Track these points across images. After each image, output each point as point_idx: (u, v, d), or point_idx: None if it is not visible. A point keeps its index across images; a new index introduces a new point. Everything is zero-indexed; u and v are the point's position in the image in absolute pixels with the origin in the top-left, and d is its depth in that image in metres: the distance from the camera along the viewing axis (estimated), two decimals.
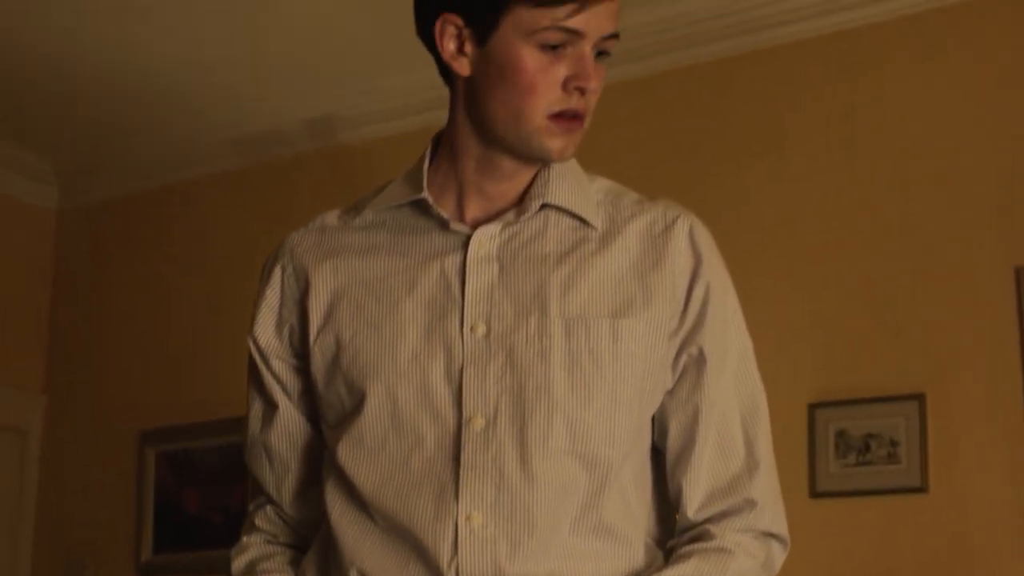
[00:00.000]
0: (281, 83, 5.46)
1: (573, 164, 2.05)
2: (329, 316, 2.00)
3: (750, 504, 2.04)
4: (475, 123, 1.97)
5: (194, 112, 5.72)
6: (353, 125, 5.54)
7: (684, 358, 1.98)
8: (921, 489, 4.19)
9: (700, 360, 1.99)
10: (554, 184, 1.99)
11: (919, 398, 4.22)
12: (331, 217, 2.15)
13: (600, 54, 1.94)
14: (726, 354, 2.03)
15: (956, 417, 4.21)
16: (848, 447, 4.29)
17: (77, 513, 5.94)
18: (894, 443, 4.23)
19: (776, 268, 4.52)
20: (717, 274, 2.01)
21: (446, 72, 2.00)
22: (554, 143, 1.94)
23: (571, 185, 2.01)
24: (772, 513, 2.08)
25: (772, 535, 2.10)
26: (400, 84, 5.26)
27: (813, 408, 4.37)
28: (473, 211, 1.99)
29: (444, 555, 1.83)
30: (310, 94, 5.53)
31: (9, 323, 6.24)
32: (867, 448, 4.27)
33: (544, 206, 1.98)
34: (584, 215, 1.99)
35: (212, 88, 5.52)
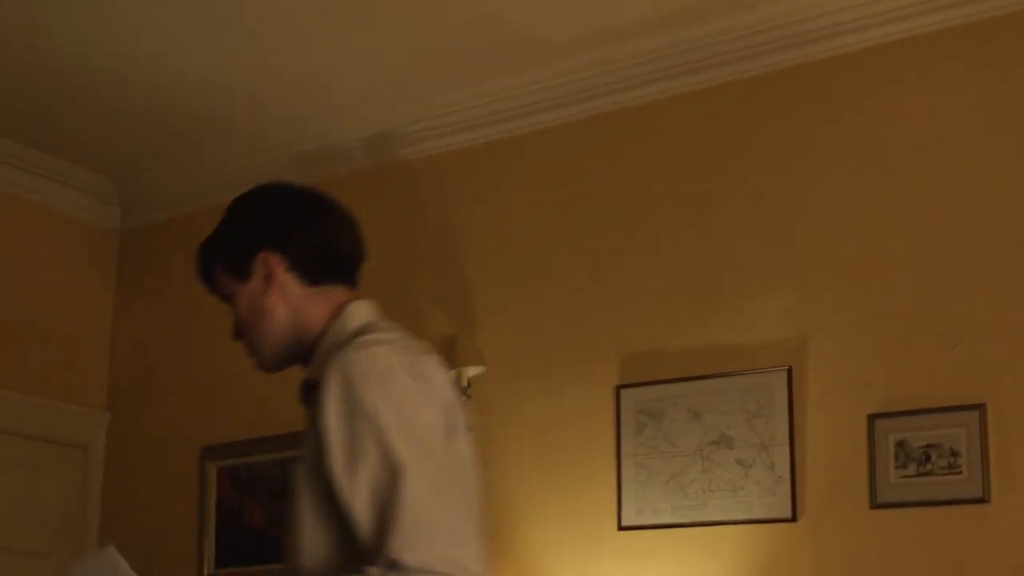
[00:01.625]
0: (339, 101, 5.51)
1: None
2: None
3: None
4: None
5: (254, 131, 5.79)
6: (411, 141, 5.58)
7: None
8: (983, 500, 4.16)
9: None
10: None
11: (979, 408, 4.20)
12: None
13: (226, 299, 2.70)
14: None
15: (1017, 426, 4.18)
16: (908, 458, 4.28)
17: (140, 528, 6.00)
18: (955, 453, 4.21)
19: (834, 280, 4.52)
20: None
21: None
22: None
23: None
24: None
25: None
26: (458, 100, 5.29)
27: (873, 419, 4.36)
28: None
29: None
30: (368, 111, 5.58)
31: (73, 342, 6.32)
32: (927, 459, 4.25)
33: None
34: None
35: (271, 107, 5.58)
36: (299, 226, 2.55)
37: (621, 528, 4.75)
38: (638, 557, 4.70)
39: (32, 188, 6.16)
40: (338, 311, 2.53)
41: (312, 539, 2.39)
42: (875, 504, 4.32)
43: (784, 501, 4.46)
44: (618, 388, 4.85)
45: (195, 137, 5.87)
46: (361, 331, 2.44)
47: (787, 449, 4.48)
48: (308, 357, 2.62)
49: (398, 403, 2.30)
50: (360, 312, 2.53)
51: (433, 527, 2.29)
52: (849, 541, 4.35)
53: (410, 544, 2.23)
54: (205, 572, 5.83)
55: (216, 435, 5.96)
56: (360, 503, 2.27)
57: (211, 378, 6.10)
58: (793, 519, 4.44)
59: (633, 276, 4.94)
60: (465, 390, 5.16)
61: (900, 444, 4.30)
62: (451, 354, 5.20)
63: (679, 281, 4.84)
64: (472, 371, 5.17)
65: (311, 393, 2.51)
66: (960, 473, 4.20)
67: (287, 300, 2.55)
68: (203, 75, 5.30)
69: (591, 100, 5.10)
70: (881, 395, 4.38)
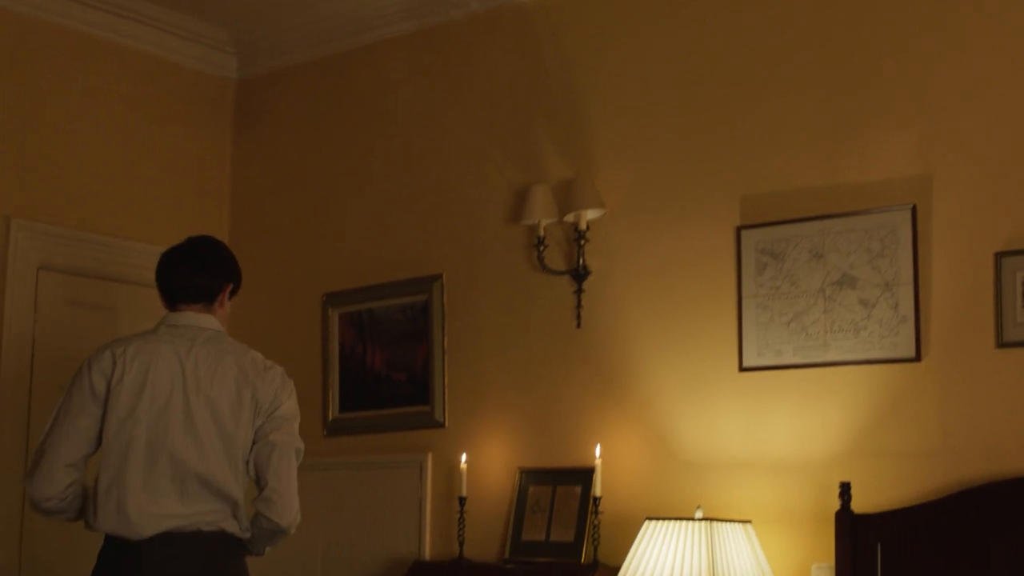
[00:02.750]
0: None
1: None
2: None
3: None
4: None
5: None
6: None
7: None
8: None
9: None
10: None
11: None
12: None
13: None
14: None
15: None
16: None
17: None
18: None
19: (961, 116, 4.41)
20: None
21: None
22: None
23: None
24: None
25: None
26: None
27: (1000, 257, 4.28)
28: None
29: None
30: None
31: (191, 192, 6.41)
32: None
33: None
34: None
35: None
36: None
37: (742, 369, 4.76)
38: (759, 398, 4.71)
39: (149, 40, 6.21)
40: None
41: None
42: (1001, 343, 4.27)
43: (908, 341, 4.43)
44: (739, 229, 4.82)
45: None
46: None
47: (911, 288, 4.43)
48: None
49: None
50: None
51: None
52: (974, 380, 4.31)
53: None
54: (330, 416, 5.96)
55: (337, 282, 6.04)
56: None
57: (330, 225, 6.17)
58: (917, 359, 4.41)
59: (754, 115, 4.87)
60: (583, 233, 5.16)
61: None
62: (569, 196, 5.20)
63: (801, 119, 4.76)
64: (591, 214, 5.16)
65: None
66: None
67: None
68: None
69: None
70: (1008, 233, 4.29)
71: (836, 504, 4.38)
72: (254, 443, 3.69)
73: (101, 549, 3.66)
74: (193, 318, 3.84)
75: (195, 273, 3.87)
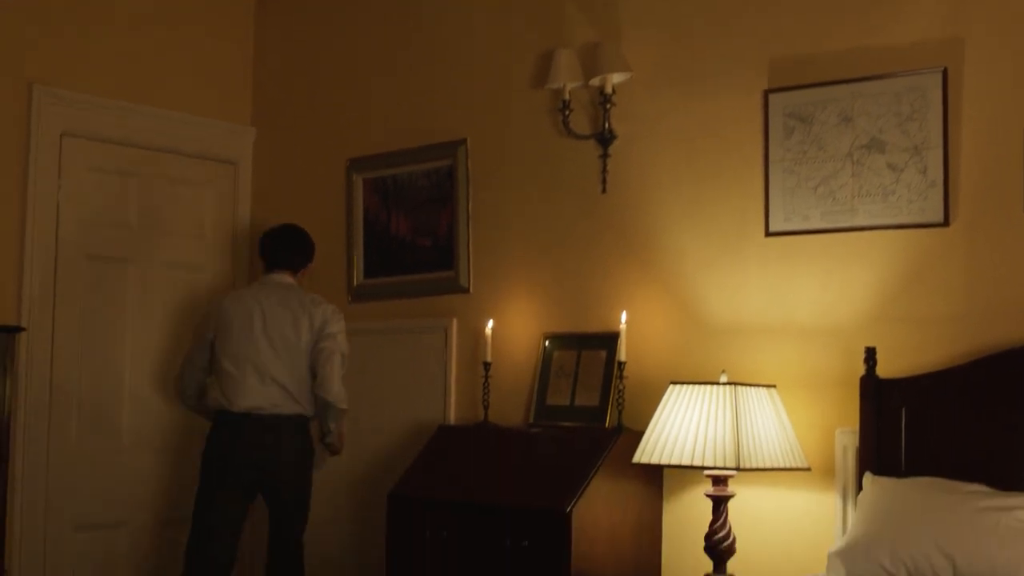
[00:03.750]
0: None
1: None
2: None
3: None
4: None
5: None
6: None
7: None
8: None
9: None
10: None
11: None
12: None
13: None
14: None
15: None
16: None
17: None
18: None
19: None
20: None
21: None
22: None
23: None
24: None
25: None
26: None
27: None
28: None
29: None
30: None
31: (215, 58, 6.36)
32: None
33: None
34: None
35: None
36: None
37: (768, 234, 4.73)
38: (786, 263, 4.70)
39: None
40: None
41: None
42: None
43: (936, 205, 4.39)
44: (766, 93, 4.76)
45: None
46: None
47: (940, 153, 4.38)
48: None
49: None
50: None
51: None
52: (1001, 246, 4.28)
53: None
54: (355, 282, 5.97)
55: (362, 147, 6.01)
56: None
57: (355, 91, 6.12)
58: (945, 224, 4.38)
59: None
60: (609, 97, 5.11)
61: None
62: (594, 60, 5.14)
63: None
64: (617, 78, 5.10)
65: None
66: None
67: None
68: None
69: None
70: None
71: (861, 369, 4.39)
72: (312, 353, 5.33)
73: (212, 424, 5.35)
74: (280, 278, 5.49)
75: (287, 252, 5.53)
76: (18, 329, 5.36)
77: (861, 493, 4.26)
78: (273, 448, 5.24)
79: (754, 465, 4.27)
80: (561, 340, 5.23)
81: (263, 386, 5.26)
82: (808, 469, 4.43)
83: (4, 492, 5.23)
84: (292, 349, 5.32)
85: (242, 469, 5.23)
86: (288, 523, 5.33)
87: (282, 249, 5.52)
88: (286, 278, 5.49)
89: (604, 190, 5.18)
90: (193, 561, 5.25)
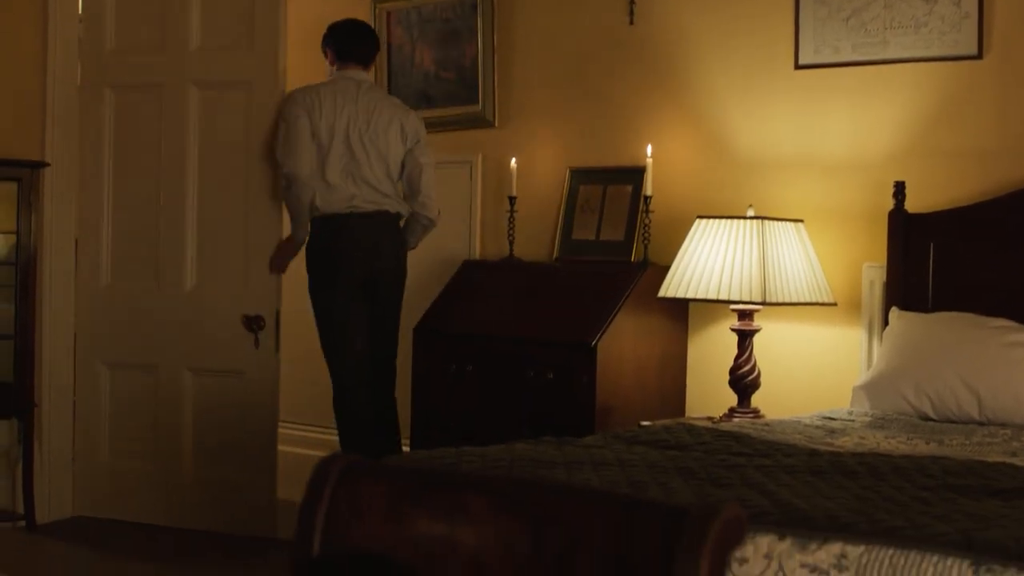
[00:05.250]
0: None
1: None
2: None
3: None
4: None
5: None
6: None
7: None
8: None
9: None
10: None
11: None
12: None
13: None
14: None
15: None
16: None
17: None
18: None
19: None
20: None
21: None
22: None
23: None
24: None
25: None
26: None
27: None
28: None
29: None
30: None
31: None
32: None
33: None
34: None
35: None
36: None
37: (798, 67, 4.67)
38: (814, 96, 4.64)
39: None
40: None
41: None
42: None
43: (969, 38, 4.31)
44: None
45: None
46: None
47: None
48: None
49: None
50: None
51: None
52: None
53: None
54: None
55: None
56: None
57: None
58: (978, 56, 4.30)
59: None
60: None
61: None
62: None
63: None
64: None
65: None
66: None
67: None
68: None
69: None
70: None
71: (889, 203, 4.36)
72: (405, 164, 5.09)
73: (313, 226, 5.05)
74: (356, 74, 5.11)
75: (360, 45, 5.14)
76: (42, 165, 5.34)
77: (887, 328, 4.26)
78: (378, 243, 5.00)
79: (780, 300, 4.27)
80: (586, 174, 5.20)
81: (359, 190, 4.98)
82: (834, 304, 4.43)
83: (32, 328, 5.28)
84: (384, 155, 5.02)
85: (354, 265, 4.97)
86: (384, 338, 5.03)
87: (357, 40, 5.13)
88: (362, 74, 5.13)
89: (631, 21, 5.10)
90: (345, 365, 4.99)
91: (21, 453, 5.30)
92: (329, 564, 1.57)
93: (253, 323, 5.21)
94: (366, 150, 5.02)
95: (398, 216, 5.11)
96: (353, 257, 4.99)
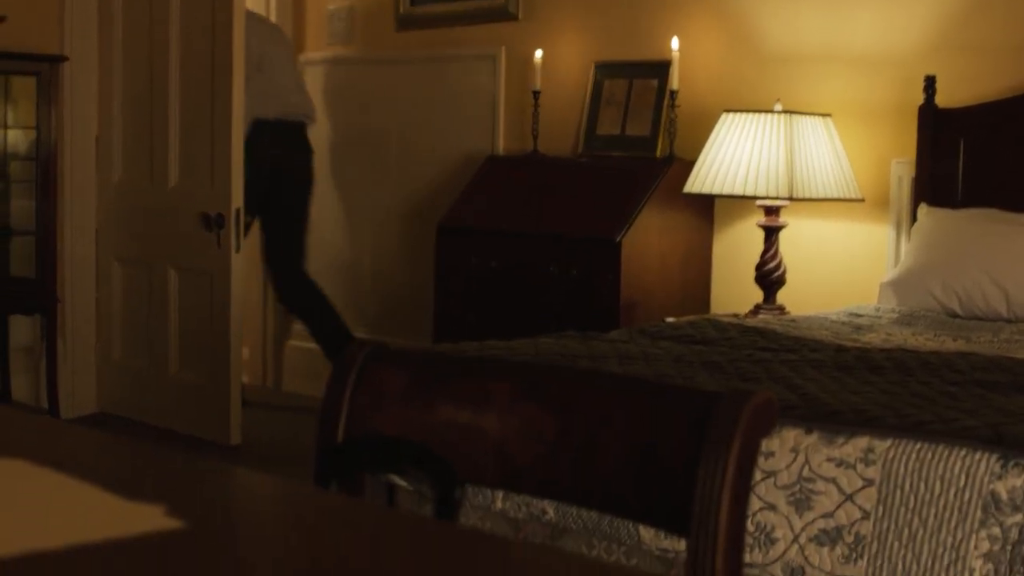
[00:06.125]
0: None
1: None
2: None
3: None
4: None
5: None
6: None
7: None
8: None
9: None
10: None
11: None
12: None
13: None
14: None
15: None
16: None
17: None
18: None
19: None
20: None
21: None
22: None
23: None
24: None
25: None
26: None
27: None
28: None
29: None
30: None
31: None
32: None
33: None
34: None
35: None
36: None
37: None
38: None
39: None
40: None
41: None
42: None
43: None
44: None
45: None
46: None
47: None
48: None
49: None
50: None
51: None
52: None
53: None
54: (400, 9, 5.85)
55: None
56: None
57: None
58: None
59: None
60: None
61: None
62: None
63: None
64: None
65: None
66: None
67: None
68: None
69: None
70: None
71: (919, 98, 4.29)
72: None
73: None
74: None
75: None
76: (61, 59, 5.29)
77: (915, 224, 4.21)
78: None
79: (807, 195, 4.22)
80: (611, 68, 5.13)
81: None
82: (862, 200, 4.37)
83: (54, 224, 5.26)
84: None
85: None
86: None
87: None
88: None
89: None
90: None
91: (45, 349, 5.31)
92: (354, 449, 1.55)
93: (213, 222, 5.08)
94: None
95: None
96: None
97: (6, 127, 5.23)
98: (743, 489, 1.38)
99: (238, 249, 5.05)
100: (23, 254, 5.23)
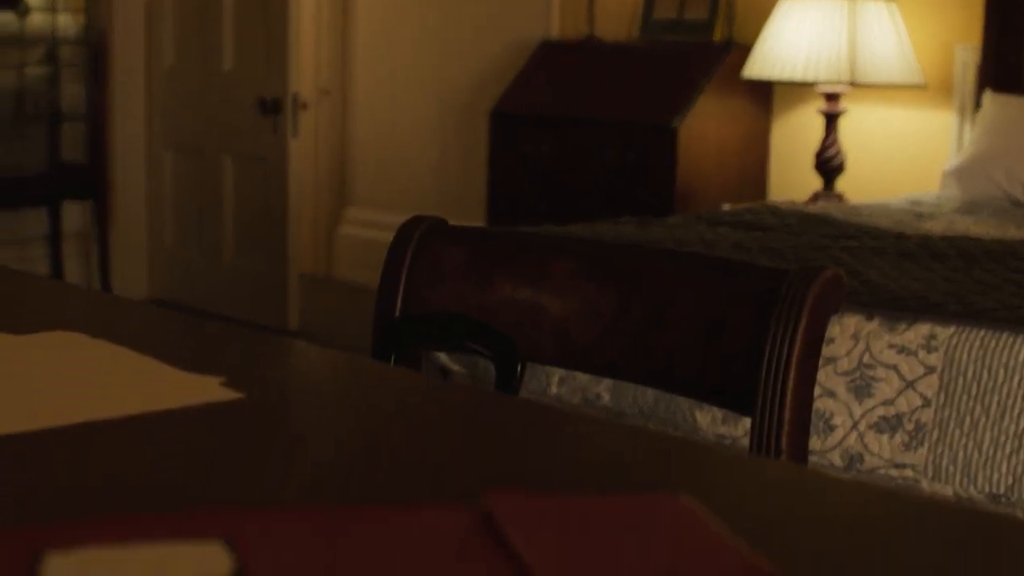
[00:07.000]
0: None
1: None
2: None
3: None
4: None
5: None
6: None
7: None
8: None
9: None
10: None
11: None
12: None
13: None
14: None
15: None
16: None
17: None
18: None
19: None
20: None
21: None
22: None
23: None
24: None
25: None
26: None
27: None
28: None
29: None
30: None
31: None
32: None
33: None
34: None
35: None
36: None
37: None
38: None
39: None
40: None
41: None
42: None
43: None
44: None
45: None
46: None
47: None
48: None
49: None
50: None
51: None
52: None
53: None
54: None
55: None
56: None
57: None
58: None
59: None
60: None
61: None
62: None
63: None
64: None
65: None
66: None
67: None
68: None
69: None
70: None
71: None
72: None
73: None
74: None
75: None
76: None
77: (979, 111, 4.12)
78: None
79: (869, 81, 4.13)
80: None
81: None
82: (924, 86, 4.28)
83: (105, 110, 5.24)
84: None
85: None
86: None
87: None
88: None
89: None
90: None
91: (96, 235, 5.32)
92: (414, 324, 1.52)
93: (269, 107, 5.06)
94: None
95: None
96: None
97: (55, 11, 5.20)
98: (811, 367, 1.34)
99: (295, 135, 5.03)
100: (74, 140, 5.23)
